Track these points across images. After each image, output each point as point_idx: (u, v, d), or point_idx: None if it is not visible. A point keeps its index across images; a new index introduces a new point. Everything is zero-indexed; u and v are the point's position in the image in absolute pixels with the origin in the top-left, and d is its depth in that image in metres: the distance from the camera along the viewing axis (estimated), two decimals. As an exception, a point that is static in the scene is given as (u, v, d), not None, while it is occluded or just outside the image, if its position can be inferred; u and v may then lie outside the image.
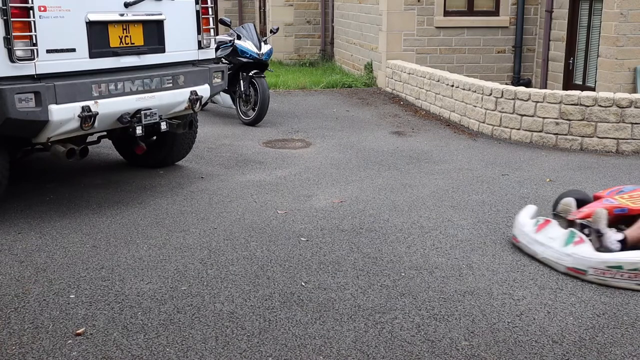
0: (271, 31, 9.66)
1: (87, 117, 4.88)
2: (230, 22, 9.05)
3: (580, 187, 6.11)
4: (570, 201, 4.65)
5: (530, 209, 4.82)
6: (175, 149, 6.52)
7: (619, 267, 3.93)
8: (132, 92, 5.24)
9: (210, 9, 5.93)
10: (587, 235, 4.30)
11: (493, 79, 10.82)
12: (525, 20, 11.71)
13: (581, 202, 4.70)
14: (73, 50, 4.94)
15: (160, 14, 5.51)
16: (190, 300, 3.75)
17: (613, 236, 4.26)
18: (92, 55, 5.06)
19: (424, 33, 11.57)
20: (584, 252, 4.09)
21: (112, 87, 5.09)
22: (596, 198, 4.75)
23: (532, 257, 4.40)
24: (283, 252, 4.47)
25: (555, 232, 4.37)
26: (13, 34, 4.51)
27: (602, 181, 6.34)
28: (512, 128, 8.05)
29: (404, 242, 4.68)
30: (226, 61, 8.74)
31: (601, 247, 4.23)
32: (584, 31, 10.52)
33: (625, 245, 4.23)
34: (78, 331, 3.38)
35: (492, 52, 11.85)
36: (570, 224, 4.50)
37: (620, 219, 4.49)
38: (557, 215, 4.69)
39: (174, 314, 3.58)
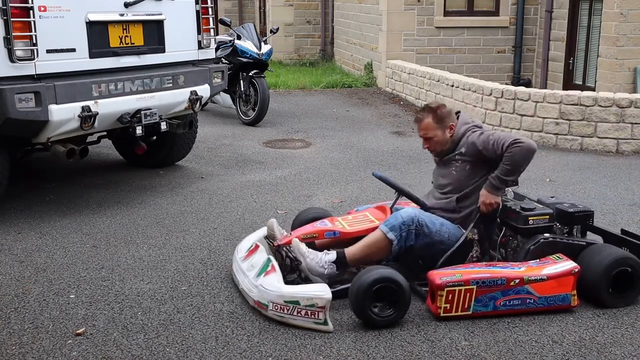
0: (271, 31, 9.66)
1: (87, 117, 4.88)
2: (230, 22, 9.05)
3: (580, 188, 6.12)
4: (271, 223, 3.93)
5: (262, 231, 4.19)
6: (175, 149, 6.52)
7: (296, 303, 3.40)
8: (132, 92, 5.24)
9: (210, 9, 5.93)
10: (294, 264, 3.75)
11: (493, 79, 10.81)
12: (525, 20, 11.71)
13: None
14: (73, 50, 4.94)
15: (160, 14, 5.51)
16: (190, 300, 3.75)
17: (324, 258, 3.71)
18: (92, 55, 5.06)
19: (424, 33, 11.57)
20: (267, 284, 3.52)
21: (112, 87, 5.09)
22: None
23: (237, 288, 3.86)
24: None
25: (257, 260, 3.79)
26: (13, 34, 4.51)
27: (602, 181, 6.34)
28: (512, 128, 8.05)
29: (404, 242, 4.66)
30: (226, 61, 8.74)
31: (312, 274, 3.69)
32: (584, 31, 10.51)
33: (344, 264, 3.74)
34: (78, 331, 3.38)
35: (492, 52, 11.85)
36: (277, 250, 3.88)
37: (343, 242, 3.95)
38: (268, 240, 4.02)
39: (174, 314, 3.58)
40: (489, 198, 3.86)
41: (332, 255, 3.76)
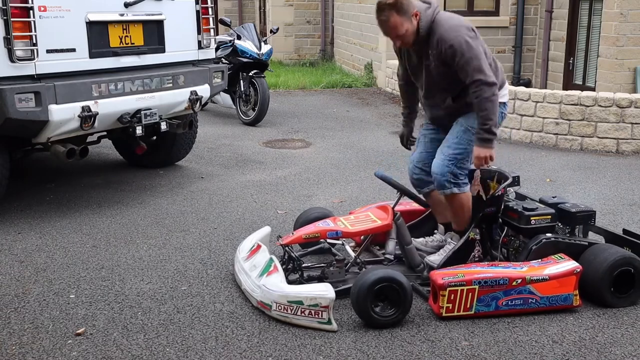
0: (271, 31, 9.66)
1: (87, 117, 4.88)
2: (230, 22, 9.05)
3: (580, 188, 6.11)
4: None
5: (264, 231, 4.25)
6: (175, 149, 6.52)
7: (300, 303, 3.40)
8: (132, 92, 5.24)
9: (210, 9, 5.93)
10: (295, 264, 3.81)
11: (493, 79, 10.79)
12: (525, 20, 11.71)
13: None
14: (73, 50, 4.94)
15: (160, 14, 5.51)
16: (190, 300, 3.75)
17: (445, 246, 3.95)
18: (92, 55, 5.06)
19: (424, 33, 11.54)
20: (270, 284, 3.52)
21: (112, 87, 5.09)
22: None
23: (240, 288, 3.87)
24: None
25: (260, 260, 3.80)
26: (13, 34, 4.51)
27: (602, 181, 6.34)
28: (512, 128, 8.05)
29: (404, 242, 4.66)
30: (226, 61, 8.74)
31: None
32: (584, 31, 10.51)
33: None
34: (78, 331, 3.38)
35: (492, 52, 11.83)
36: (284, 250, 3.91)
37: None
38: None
39: (174, 314, 3.58)
40: (481, 152, 3.82)
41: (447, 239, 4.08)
